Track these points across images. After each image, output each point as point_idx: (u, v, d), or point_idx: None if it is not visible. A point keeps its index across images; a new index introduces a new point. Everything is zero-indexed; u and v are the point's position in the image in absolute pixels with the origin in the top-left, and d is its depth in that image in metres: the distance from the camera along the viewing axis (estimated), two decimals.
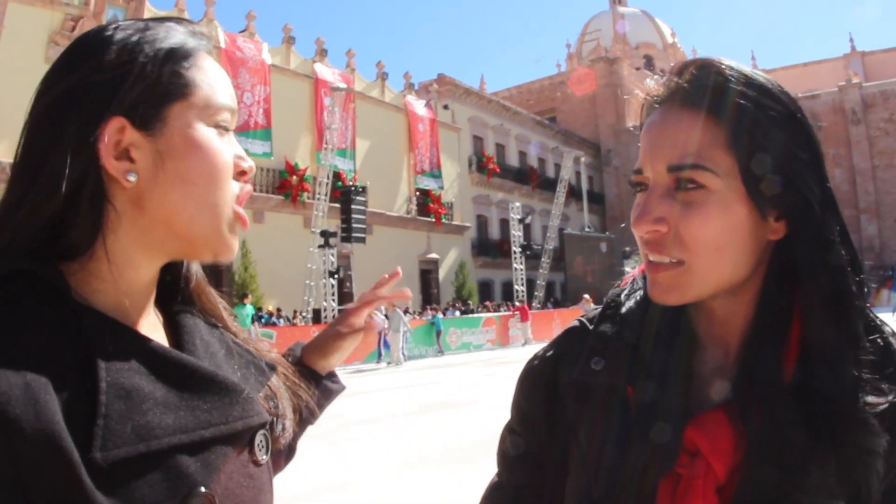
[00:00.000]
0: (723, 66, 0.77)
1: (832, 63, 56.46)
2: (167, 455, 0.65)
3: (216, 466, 0.69)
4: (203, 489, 0.66)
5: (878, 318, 0.81)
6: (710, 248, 0.75)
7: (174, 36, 0.75)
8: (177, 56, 0.73)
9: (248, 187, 0.80)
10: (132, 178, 0.69)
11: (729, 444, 0.74)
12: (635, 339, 0.84)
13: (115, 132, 0.69)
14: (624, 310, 0.89)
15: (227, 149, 0.75)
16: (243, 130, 24.98)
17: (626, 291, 0.92)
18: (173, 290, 0.85)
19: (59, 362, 0.62)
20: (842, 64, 54.89)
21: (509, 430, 0.97)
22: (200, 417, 0.69)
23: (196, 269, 0.87)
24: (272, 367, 0.88)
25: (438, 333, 22.30)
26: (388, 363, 19.31)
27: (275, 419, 0.85)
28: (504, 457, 0.98)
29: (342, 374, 1.14)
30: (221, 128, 0.76)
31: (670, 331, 0.83)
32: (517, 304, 28.90)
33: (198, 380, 0.71)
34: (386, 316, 19.05)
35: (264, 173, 26.71)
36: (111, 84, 0.69)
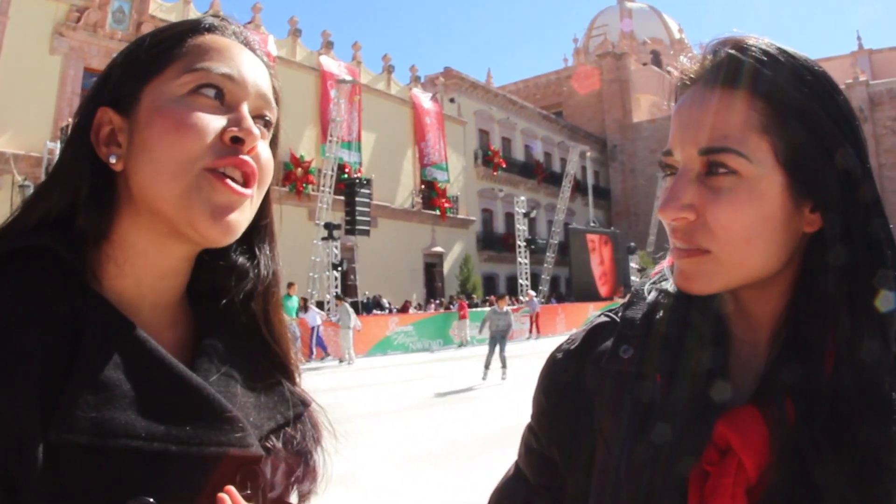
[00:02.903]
0: (760, 46, 0.73)
1: (839, 60, 55.95)
2: (121, 456, 0.63)
3: (175, 484, 0.66)
4: (151, 500, 0.62)
5: None
6: (740, 239, 0.71)
7: (173, 26, 0.79)
8: (160, 40, 0.76)
9: (244, 157, 0.73)
10: (113, 160, 0.73)
11: (762, 442, 0.69)
12: (664, 329, 0.80)
13: (101, 120, 0.74)
14: (651, 299, 0.85)
15: (198, 112, 0.72)
16: None
17: (653, 281, 0.88)
18: (227, 307, 0.83)
19: (53, 339, 0.64)
20: (849, 61, 54.48)
21: (528, 426, 0.94)
22: (172, 431, 0.66)
23: (266, 295, 0.85)
24: (306, 404, 0.85)
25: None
26: (341, 361, 17.35)
27: (279, 457, 0.79)
28: (524, 449, 0.95)
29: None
30: (206, 95, 0.73)
31: (701, 321, 0.79)
32: (512, 297, 28.79)
33: (184, 392, 0.69)
34: (327, 311, 17.79)
35: None
36: (104, 80, 0.76)
